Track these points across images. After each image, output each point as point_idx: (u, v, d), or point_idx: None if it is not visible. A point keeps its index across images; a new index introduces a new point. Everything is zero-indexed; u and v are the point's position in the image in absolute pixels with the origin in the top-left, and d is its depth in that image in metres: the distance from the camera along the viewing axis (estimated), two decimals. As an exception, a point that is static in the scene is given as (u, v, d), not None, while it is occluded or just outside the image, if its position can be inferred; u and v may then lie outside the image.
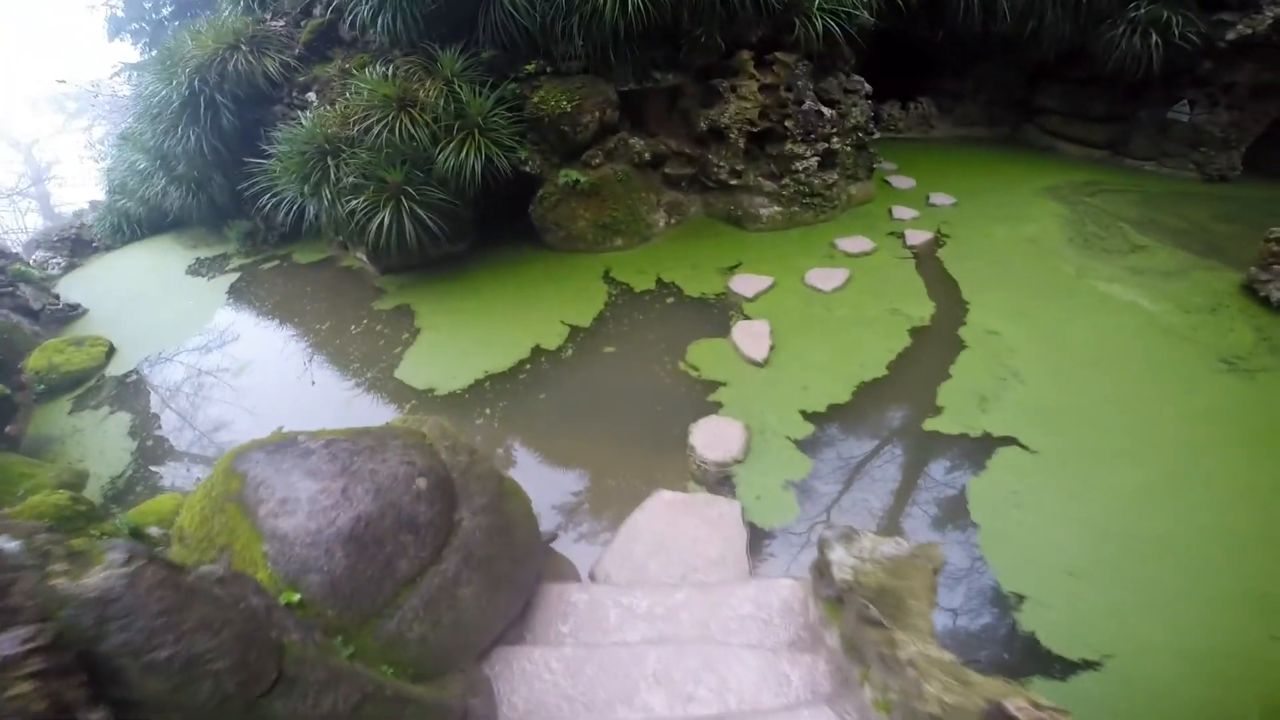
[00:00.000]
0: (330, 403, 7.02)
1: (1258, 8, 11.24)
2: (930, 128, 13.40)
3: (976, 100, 13.46)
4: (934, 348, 6.86)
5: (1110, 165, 12.61)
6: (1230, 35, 11.24)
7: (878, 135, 9.49)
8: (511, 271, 8.72)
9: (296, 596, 3.19)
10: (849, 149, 9.17)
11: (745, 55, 8.51)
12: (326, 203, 8.08)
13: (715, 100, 8.81)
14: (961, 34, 11.54)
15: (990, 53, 12.70)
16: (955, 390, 6.31)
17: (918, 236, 8.78)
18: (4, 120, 27.02)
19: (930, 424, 5.97)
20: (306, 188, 8.13)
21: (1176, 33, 10.93)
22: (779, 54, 8.48)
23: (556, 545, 5.22)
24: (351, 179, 7.94)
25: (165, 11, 15.06)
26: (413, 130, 7.89)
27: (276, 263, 10.84)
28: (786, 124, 8.54)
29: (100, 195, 14.71)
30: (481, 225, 9.35)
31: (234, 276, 10.71)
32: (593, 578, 4.99)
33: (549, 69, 8.36)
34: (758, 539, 5.09)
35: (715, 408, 6.22)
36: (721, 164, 8.92)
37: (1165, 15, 10.96)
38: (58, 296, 11.12)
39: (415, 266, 9.01)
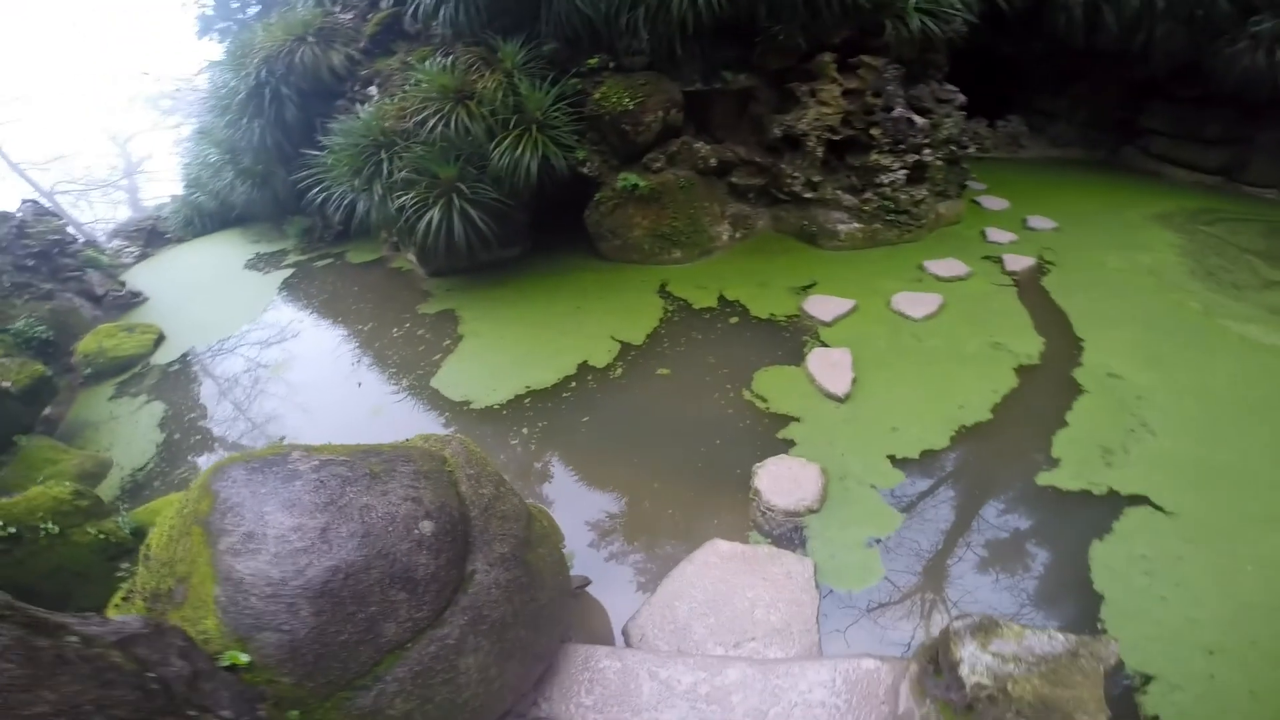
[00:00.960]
0: (360, 409, 6.31)
1: None
2: (1020, 147, 12.06)
3: (1073, 120, 12.07)
4: (1045, 390, 5.67)
5: (1226, 192, 11.10)
6: None
7: (972, 149, 8.30)
8: (562, 280, 7.89)
9: (244, 658, 2.43)
10: (940, 163, 8.02)
11: (827, 57, 7.51)
12: (377, 199, 7.44)
13: (791, 105, 7.83)
14: (1060, 48, 10.24)
15: (1090, 69, 11.35)
16: (1074, 440, 5.14)
17: (1018, 262, 7.56)
18: (105, 115, 28.05)
19: (1044, 478, 4.85)
20: (358, 182, 7.51)
21: None
22: (865, 57, 7.44)
23: (590, 591, 4.29)
24: (403, 174, 7.29)
25: (251, 11, 15.02)
26: (469, 124, 7.20)
27: (330, 261, 10.35)
28: (872, 132, 7.48)
29: (179, 189, 14.67)
30: (535, 231, 8.60)
31: (288, 273, 10.26)
32: (626, 638, 4.08)
33: (612, 64, 7.56)
34: (832, 606, 4.09)
35: (786, 446, 5.21)
36: (796, 174, 7.90)
37: None
38: (123, 284, 10.93)
39: (464, 270, 8.29)
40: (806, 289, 7.14)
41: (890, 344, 6.22)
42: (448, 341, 7.18)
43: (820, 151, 7.74)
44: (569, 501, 4.99)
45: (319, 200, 8.32)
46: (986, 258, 7.80)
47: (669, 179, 7.64)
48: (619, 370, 6.20)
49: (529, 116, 7.25)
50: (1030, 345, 6.19)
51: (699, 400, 5.77)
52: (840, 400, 5.57)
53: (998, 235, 8.29)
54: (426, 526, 2.90)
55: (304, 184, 8.59)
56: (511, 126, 7.18)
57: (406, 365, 6.85)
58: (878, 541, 4.45)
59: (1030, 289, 7.18)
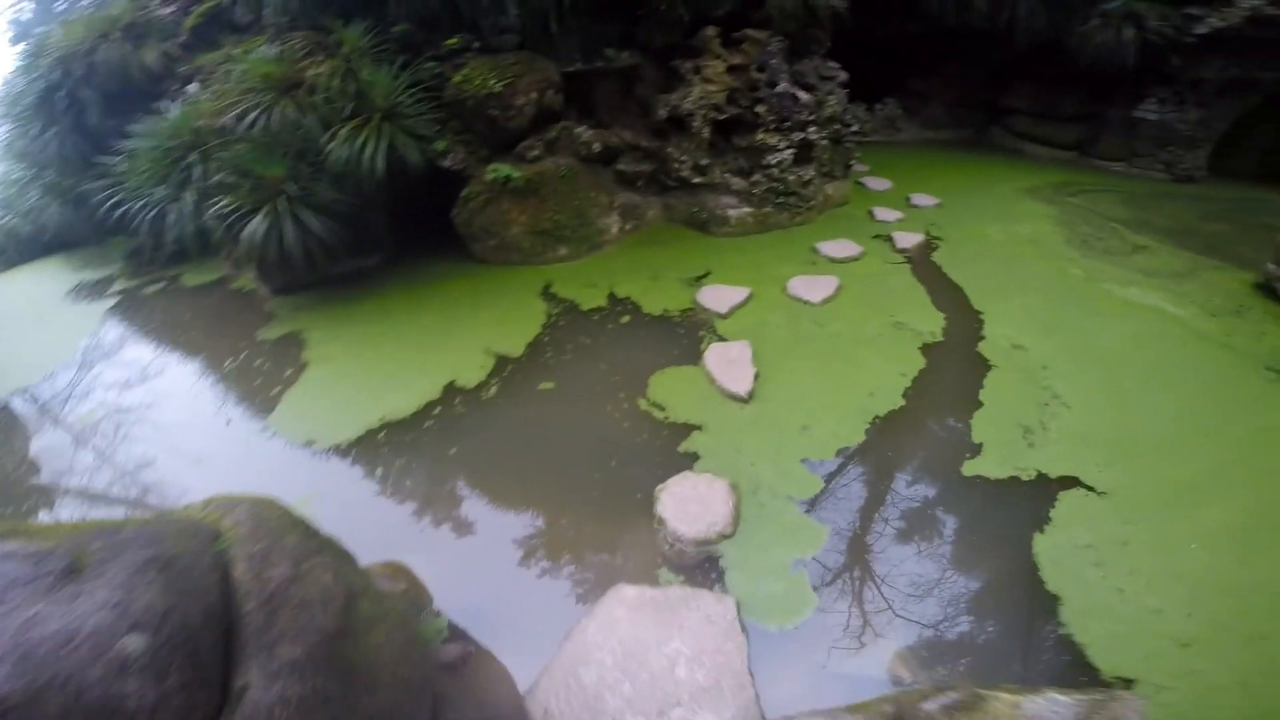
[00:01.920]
0: (176, 460, 4.96)
1: (1228, 0, 10.03)
2: (896, 130, 11.99)
3: (943, 101, 12.14)
4: (954, 369, 5.19)
5: (1081, 166, 11.51)
6: (1201, 29, 10.20)
7: (856, 127, 7.88)
8: (429, 290, 6.75)
9: None
10: (825, 142, 7.52)
11: (711, 31, 6.84)
12: (190, 208, 6.02)
13: (677, 84, 7.09)
14: (932, 28, 10.12)
15: (959, 50, 11.37)
16: (992, 421, 4.67)
17: (907, 239, 7.18)
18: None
19: (971, 467, 4.33)
20: (163, 190, 6.07)
21: (1153, 25, 9.74)
22: (749, 30, 6.80)
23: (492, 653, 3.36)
24: (220, 177, 5.92)
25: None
26: (299, 116, 5.92)
27: (162, 285, 8.65)
28: (758, 110, 6.86)
29: (-13, 214, 12.22)
30: (398, 235, 7.39)
31: (112, 302, 8.46)
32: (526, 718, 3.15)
33: (476, 45, 6.52)
34: (764, 649, 3.35)
35: (689, 461, 4.41)
36: (684, 158, 7.16)
37: (1135, 9, 9.78)
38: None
39: (314, 285, 6.98)
40: (700, 279, 6.40)
41: (791, 332, 5.56)
42: (290, 371, 5.88)
43: (707, 132, 7.04)
44: (439, 553, 3.97)
45: (143, 217, 6.74)
46: (877, 237, 7.39)
47: (548, 168, 6.69)
48: (493, 389, 5.19)
49: (373, 105, 6.09)
50: (931, 322, 5.72)
51: (589, 415, 4.87)
52: (744, 400, 4.84)
53: (885, 214, 7.93)
54: (133, 642, 1.89)
55: (103, 197, 6.97)
56: (351, 116, 5.98)
57: (239, 403, 5.52)
58: (803, 564, 3.75)
59: (923, 265, 6.79)
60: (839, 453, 4.45)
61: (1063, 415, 4.77)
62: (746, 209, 7.21)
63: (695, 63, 7.01)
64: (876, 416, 4.73)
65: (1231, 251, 7.70)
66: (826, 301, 5.91)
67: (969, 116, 12.38)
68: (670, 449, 4.50)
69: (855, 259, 6.74)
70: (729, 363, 5.09)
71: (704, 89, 6.90)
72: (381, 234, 7.14)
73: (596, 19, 6.68)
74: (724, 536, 3.89)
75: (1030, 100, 11.92)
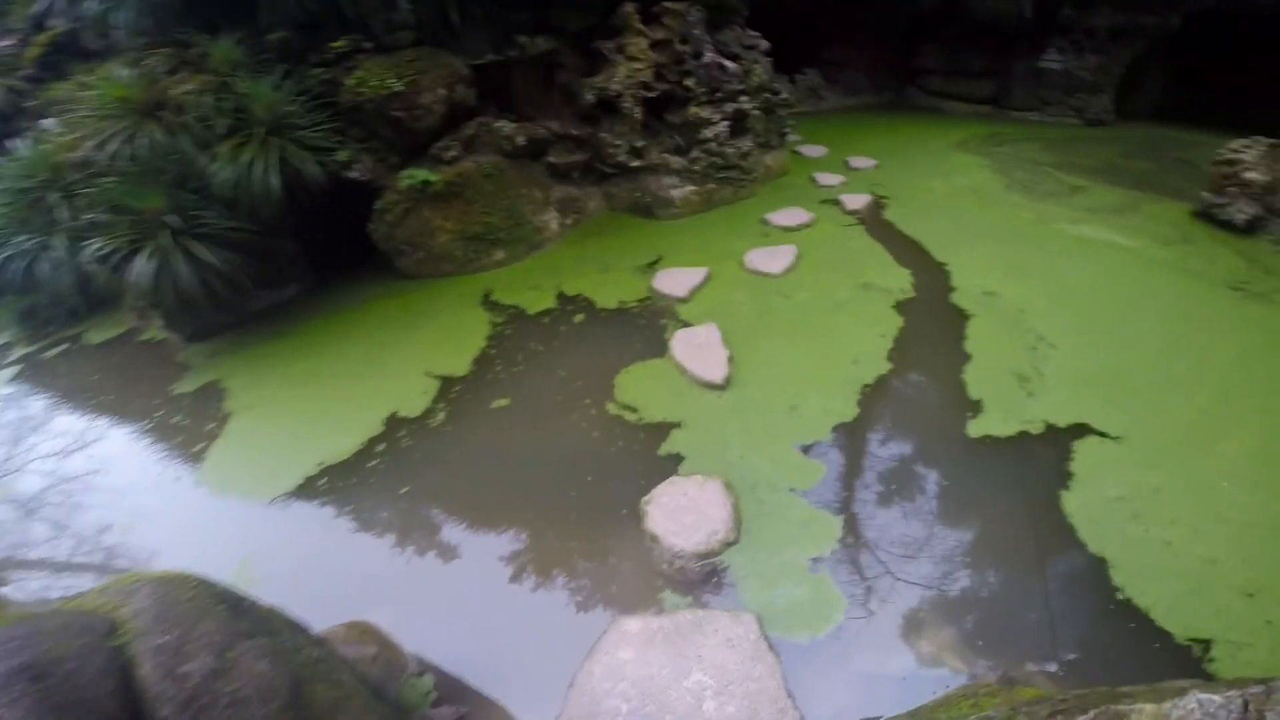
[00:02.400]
0: (91, 533, 4.08)
1: None
2: (820, 99, 11.82)
3: (859, 67, 12.07)
4: (934, 323, 4.85)
5: (998, 119, 11.65)
6: None
7: (785, 95, 7.53)
8: (357, 315, 5.98)
9: None
10: (758, 112, 7.14)
11: (629, 8, 6.35)
12: (63, 253, 5.09)
13: (601, 66, 6.56)
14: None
15: (866, 17, 11.28)
16: (985, 373, 4.35)
17: (855, 200, 6.87)
18: None
19: (976, 427, 3.98)
20: (26, 238, 5.11)
21: None
22: (667, 3, 6.33)
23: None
24: (92, 216, 5.01)
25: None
26: (169, 140, 5.09)
27: (65, 346, 7.47)
28: (687, 83, 6.40)
29: None
30: (317, 260, 6.57)
31: (12, 372, 7.27)
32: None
33: (368, 45, 5.78)
34: (798, 665, 2.86)
35: (673, 464, 3.87)
36: (618, 143, 6.63)
37: None
38: None
39: (230, 328, 6.10)
40: (653, 266, 5.87)
41: (758, 307, 5.11)
42: (212, 424, 5.02)
43: (638, 113, 6.52)
44: (409, 604, 3.32)
45: (12, 269, 5.67)
46: (824, 202, 7.05)
47: (469, 169, 6.03)
48: (440, 415, 4.50)
49: (257, 119, 5.30)
50: (899, 279, 5.39)
51: (553, 430, 4.26)
52: (721, 387, 4.34)
53: (827, 179, 7.62)
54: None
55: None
56: (230, 134, 5.18)
57: (159, 465, 4.65)
58: (822, 561, 3.28)
59: (876, 224, 6.48)
60: (834, 431, 4.00)
61: (1053, 357, 4.49)
62: (689, 188, 6.74)
63: (617, 42, 6.49)
64: (865, 385, 4.31)
65: (1161, 185, 7.84)
66: (788, 271, 5.49)
67: (886, 81, 12.36)
68: (650, 454, 3.95)
69: (808, 226, 6.37)
70: (698, 348, 4.58)
71: (629, 68, 6.39)
72: (296, 262, 6.31)
73: (503, 6, 6.08)
74: (728, 544, 3.38)
75: (940, 60, 12.01)
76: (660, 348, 4.79)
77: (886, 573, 3.23)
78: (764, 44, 7.35)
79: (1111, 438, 3.84)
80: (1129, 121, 11.50)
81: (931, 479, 3.68)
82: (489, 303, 5.73)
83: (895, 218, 6.55)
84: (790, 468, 3.75)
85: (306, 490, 4.11)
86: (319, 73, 5.77)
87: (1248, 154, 6.61)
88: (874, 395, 4.23)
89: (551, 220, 6.54)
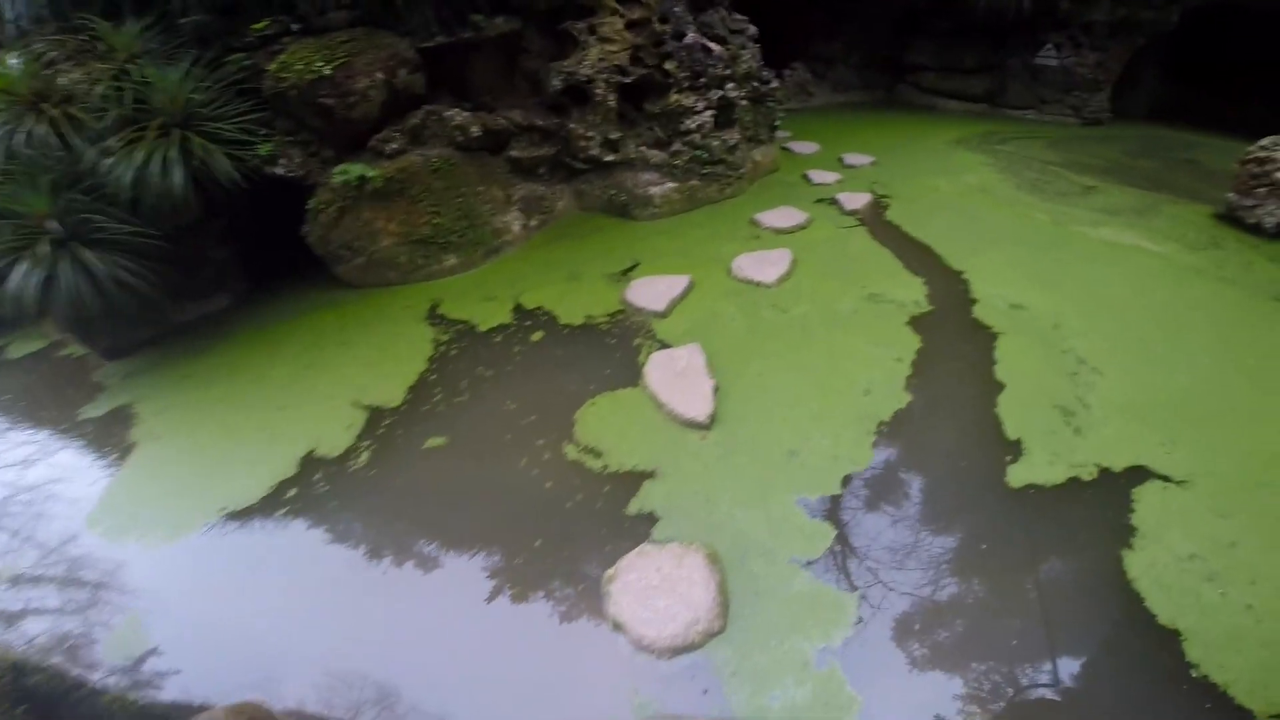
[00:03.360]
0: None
1: None
2: (808, 95, 11.00)
3: (849, 63, 11.27)
4: (956, 342, 4.03)
5: (994, 117, 10.94)
6: None
7: (774, 84, 6.67)
8: (289, 330, 5.06)
9: None
10: (746, 102, 6.28)
11: None
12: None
13: (570, 49, 5.69)
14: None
15: (856, 9, 10.46)
16: (1022, 405, 3.55)
17: (854, 200, 6.04)
18: None
19: (1017, 474, 3.19)
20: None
21: None
22: None
23: None
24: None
25: None
26: (56, 135, 4.16)
27: (-20, 362, 6.49)
28: (667, 67, 5.54)
29: None
30: (251, 265, 5.66)
31: None
32: None
33: (296, 27, 4.87)
34: None
35: (645, 526, 3.02)
36: (590, 134, 5.75)
37: None
38: None
39: (150, 342, 5.21)
40: (628, 273, 4.99)
41: (749, 323, 4.25)
42: (114, 456, 4.09)
43: (613, 100, 5.65)
44: (309, 690, 2.42)
45: None
46: (820, 201, 6.22)
47: (414, 163, 5.11)
48: (363, 455, 3.60)
49: (164, 111, 4.39)
50: (911, 289, 4.56)
51: (496, 477, 3.38)
52: (705, 426, 3.47)
53: (821, 176, 6.79)
54: None
55: None
56: (125, 127, 4.25)
57: (46, 504, 3.71)
58: (831, 652, 2.46)
59: (879, 225, 5.66)
60: (845, 482, 3.17)
61: (1098, 384, 3.68)
62: (670, 184, 5.87)
63: (588, 22, 5.62)
64: (881, 422, 3.48)
65: (1174, 186, 7.19)
66: (783, 280, 4.63)
67: (876, 77, 11.59)
68: (616, 512, 3.09)
69: (803, 227, 5.53)
70: (678, 376, 3.71)
71: (602, 50, 5.52)
72: (227, 269, 5.41)
73: None
74: (711, 635, 2.56)
75: (933, 56, 11.27)
76: (633, 374, 3.91)
77: (913, 661, 2.41)
78: (751, 29, 6.52)
79: (1176, 482, 3.10)
80: (1125, 121, 10.93)
81: (967, 542, 2.85)
82: (435, 317, 4.83)
83: (900, 218, 5.73)
84: (791, 530, 2.91)
85: (206, 539, 3.27)
86: (239, 58, 4.85)
87: (1279, 152, 5.85)
88: (891, 435, 3.39)
89: (514, 221, 5.64)
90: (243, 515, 3.36)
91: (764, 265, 4.72)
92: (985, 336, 4.06)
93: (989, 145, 8.57)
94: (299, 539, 3.17)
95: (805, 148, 7.95)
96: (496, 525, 3.10)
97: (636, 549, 2.84)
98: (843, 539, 2.90)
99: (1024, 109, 11.00)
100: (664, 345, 4.09)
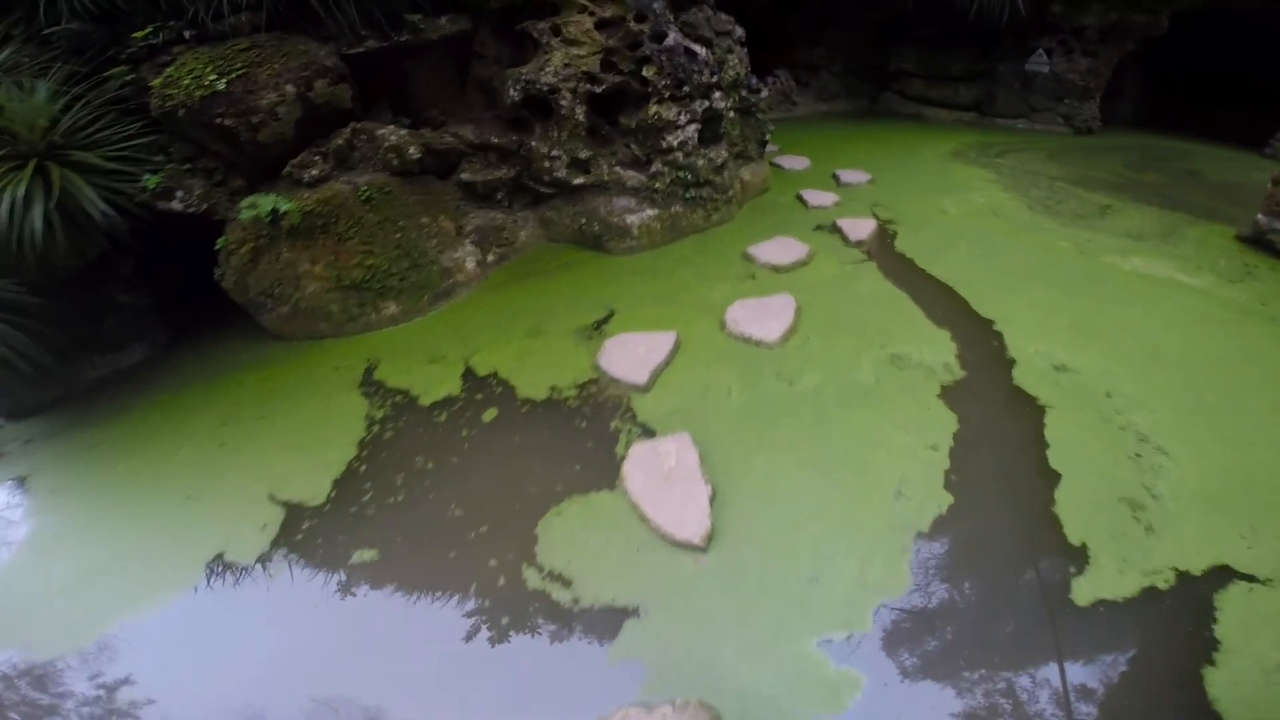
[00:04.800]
0: None
1: None
2: (793, 105, 10.22)
3: (833, 70, 10.52)
4: (999, 422, 3.31)
5: (984, 126, 10.37)
6: None
7: (765, 93, 5.87)
8: (207, 394, 4.15)
9: None
10: (733, 114, 5.46)
11: None
12: None
13: (530, 52, 4.79)
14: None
15: (840, 13, 9.69)
16: (1083, 501, 2.88)
17: (857, 227, 5.28)
18: None
19: (1085, 588, 2.57)
20: None
21: None
22: None
23: None
24: None
25: None
26: None
27: None
28: (645, 73, 4.69)
29: None
30: (171, 313, 4.76)
31: None
32: None
33: (190, 34, 3.91)
34: None
35: (629, 682, 2.24)
36: (555, 153, 4.88)
37: None
38: None
39: (56, 403, 4.25)
40: (601, 326, 4.13)
41: (750, 400, 3.44)
42: (2, 544, 3.16)
43: (581, 113, 4.78)
44: None
45: None
46: (819, 228, 5.43)
47: (339, 193, 4.19)
48: (278, 566, 2.76)
49: (16, 138, 3.40)
50: (938, 347, 3.79)
51: (436, 609, 2.56)
52: (700, 548, 2.65)
53: (817, 198, 6.00)
54: None
55: None
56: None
57: None
58: None
59: (889, 259, 4.89)
60: (878, 613, 2.41)
61: (1168, 469, 2.99)
62: (650, 212, 5.01)
63: (552, 22, 4.74)
64: (919, 533, 2.72)
65: (1187, 202, 6.65)
66: (787, 336, 3.82)
67: (861, 85, 10.88)
68: (591, 662, 2.30)
69: (804, 263, 4.73)
70: (664, 480, 2.89)
71: (568, 54, 4.65)
72: (141, 317, 4.50)
73: None
74: None
75: (919, 62, 10.61)
76: (609, 471, 3.08)
77: None
78: (739, 30, 5.68)
79: (1262, 581, 2.50)
80: (1114, 129, 10.49)
81: (1028, 683, 2.08)
82: (370, 384, 3.93)
83: (911, 249, 4.97)
84: (811, 682, 2.18)
85: (92, 660, 2.33)
86: (120, 72, 3.88)
87: None
88: (932, 550, 2.64)
89: (467, 258, 4.73)
90: (136, 631, 2.55)
91: (763, 316, 3.90)
92: (1032, 411, 3.31)
93: (987, 158, 7.90)
94: (191, 680, 2.32)
95: (795, 163, 7.17)
96: (434, 677, 2.26)
97: (618, 714, 2.02)
98: (875, 687, 2.13)
99: (1014, 118, 10.40)
100: (646, 431, 3.25)
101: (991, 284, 4.43)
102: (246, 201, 3.94)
